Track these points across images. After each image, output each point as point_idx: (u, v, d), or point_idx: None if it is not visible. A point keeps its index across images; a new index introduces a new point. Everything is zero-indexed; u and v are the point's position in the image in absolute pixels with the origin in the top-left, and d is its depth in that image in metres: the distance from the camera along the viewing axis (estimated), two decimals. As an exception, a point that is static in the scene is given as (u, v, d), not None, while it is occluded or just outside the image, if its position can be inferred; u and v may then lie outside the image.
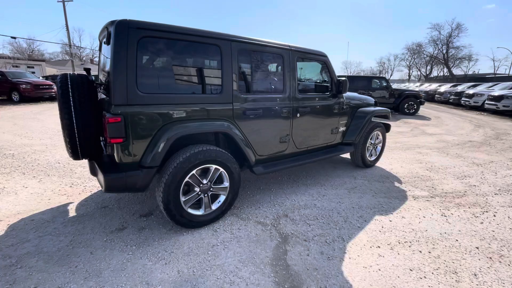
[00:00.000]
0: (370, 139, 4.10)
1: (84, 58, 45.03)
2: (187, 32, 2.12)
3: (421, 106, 11.73)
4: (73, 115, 2.14)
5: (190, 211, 2.32)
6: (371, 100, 4.39)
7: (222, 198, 2.52)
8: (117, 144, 1.93)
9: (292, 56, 2.92)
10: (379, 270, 1.97)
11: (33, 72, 21.95)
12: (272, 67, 2.94)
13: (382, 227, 2.55)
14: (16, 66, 24.31)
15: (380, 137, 4.27)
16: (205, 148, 2.28)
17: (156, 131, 2.05)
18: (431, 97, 18.88)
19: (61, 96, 2.12)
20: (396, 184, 3.64)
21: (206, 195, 2.40)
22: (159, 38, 2.04)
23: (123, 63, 1.87)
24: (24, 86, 13.05)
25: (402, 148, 5.67)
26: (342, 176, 3.87)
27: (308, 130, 3.26)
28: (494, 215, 2.80)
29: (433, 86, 21.84)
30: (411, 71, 53.01)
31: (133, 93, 1.94)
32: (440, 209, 2.91)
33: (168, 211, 2.18)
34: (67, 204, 2.84)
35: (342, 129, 3.76)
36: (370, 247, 2.23)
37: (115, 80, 1.87)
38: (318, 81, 3.63)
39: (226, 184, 2.50)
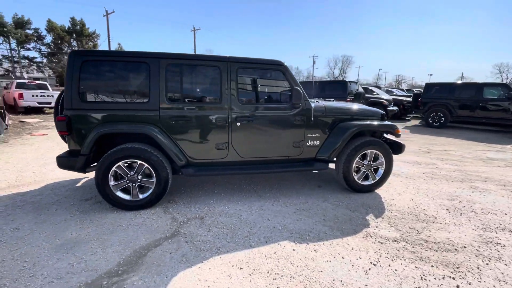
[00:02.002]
0: (364, 159, 3.43)
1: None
2: (118, 54, 2.74)
3: None
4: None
5: (119, 194, 2.90)
6: (372, 112, 3.64)
7: (150, 190, 2.96)
8: (64, 136, 2.76)
9: (231, 67, 3.01)
10: (208, 287, 1.87)
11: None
12: (207, 78, 3.12)
13: (275, 252, 2.26)
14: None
15: (382, 158, 3.47)
16: (130, 146, 2.81)
17: (90, 129, 2.77)
18: None
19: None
20: (370, 216, 2.92)
21: (134, 184, 2.92)
22: (96, 61, 2.75)
23: (69, 78, 2.69)
24: None
25: (454, 179, 4.20)
26: (311, 195, 3.45)
27: (256, 140, 3.19)
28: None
29: None
30: None
31: (76, 100, 2.72)
32: (388, 257, 2.21)
33: (99, 191, 2.84)
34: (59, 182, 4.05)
35: (313, 143, 3.37)
36: (232, 266, 2.09)
37: (65, 90, 2.72)
38: (274, 91, 3.42)
39: (153, 179, 2.93)
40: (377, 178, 3.55)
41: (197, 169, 3.09)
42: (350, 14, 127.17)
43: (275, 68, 3.16)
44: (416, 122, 12.08)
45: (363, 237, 2.51)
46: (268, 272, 2.02)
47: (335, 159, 3.48)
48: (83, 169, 2.86)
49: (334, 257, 2.21)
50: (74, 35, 25.33)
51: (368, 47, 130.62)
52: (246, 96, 3.19)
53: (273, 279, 1.95)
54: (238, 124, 3.07)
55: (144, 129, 2.81)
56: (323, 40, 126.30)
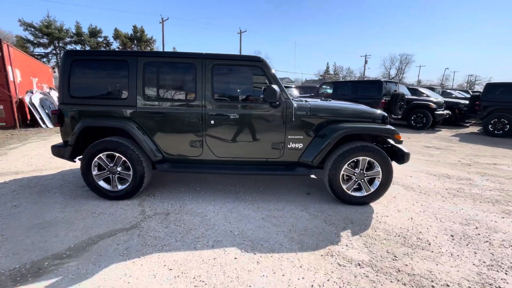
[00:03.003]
0: (356, 167, 3.02)
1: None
2: (103, 53, 2.94)
3: None
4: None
5: (101, 184, 3.11)
6: (369, 114, 3.17)
7: (128, 183, 3.11)
8: (58, 127, 3.09)
9: (206, 64, 2.95)
10: (128, 283, 1.85)
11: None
12: (183, 75, 3.09)
13: (214, 258, 2.12)
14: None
15: (378, 167, 3.00)
16: (109, 139, 2.99)
17: (77, 122, 3.03)
18: None
19: None
20: (345, 233, 2.55)
21: (113, 176, 3.10)
22: (84, 60, 3.00)
23: (62, 76, 2.99)
24: None
25: (485, 199, 3.39)
26: (293, 202, 3.17)
27: (231, 140, 3.08)
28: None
29: None
30: None
31: (67, 96, 3.02)
32: (336, 283, 1.88)
33: (84, 179, 3.09)
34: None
35: (295, 145, 3.10)
36: (164, 265, 2.03)
37: (59, 87, 3.04)
38: (252, 89, 3.20)
39: (130, 172, 3.07)
40: (372, 190, 3.08)
41: (171, 165, 3.13)
42: (410, 8, 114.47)
43: (254, 65, 3.00)
44: (475, 129, 10.23)
45: (321, 255, 2.20)
46: (194, 278, 1.91)
47: (320, 164, 3.14)
48: (71, 158, 3.15)
49: (274, 273, 1.97)
50: (135, 41, 28.87)
51: (432, 44, 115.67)
52: (221, 93, 3.10)
53: (195, 286, 1.84)
54: (212, 122, 3.00)
55: (121, 123, 2.96)
56: (378, 38, 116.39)
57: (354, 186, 3.09)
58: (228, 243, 2.35)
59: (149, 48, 30.19)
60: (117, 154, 3.02)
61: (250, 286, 1.84)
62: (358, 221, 2.76)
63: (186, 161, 3.17)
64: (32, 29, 24.60)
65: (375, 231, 2.59)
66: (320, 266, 2.06)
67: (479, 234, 2.56)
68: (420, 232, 2.58)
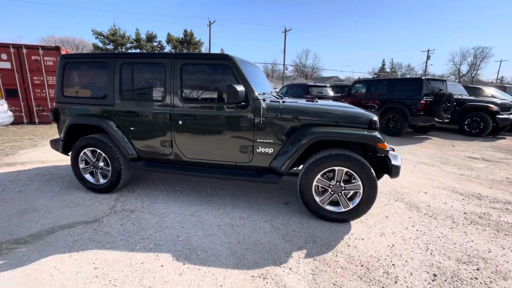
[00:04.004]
0: (331, 179, 2.64)
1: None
2: (89, 56, 3.15)
3: None
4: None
5: (87, 177, 3.36)
6: (352, 118, 2.70)
7: (108, 178, 3.29)
8: (55, 124, 3.43)
9: (175, 63, 2.89)
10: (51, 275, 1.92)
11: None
12: (154, 75, 3.07)
13: (142, 263, 2.06)
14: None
15: (358, 180, 2.55)
16: (91, 136, 3.20)
17: (67, 119, 3.31)
18: None
19: None
20: (298, 253, 2.22)
21: (96, 170, 3.31)
22: (74, 63, 3.25)
23: (57, 77, 3.31)
24: None
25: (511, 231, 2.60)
26: (262, 211, 2.93)
27: (199, 141, 2.98)
28: None
29: None
30: None
31: (60, 96, 3.33)
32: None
33: (73, 172, 3.38)
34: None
35: (265, 150, 2.85)
36: (93, 263, 2.06)
37: (55, 87, 3.36)
38: (221, 89, 2.97)
39: (109, 168, 3.24)
40: (351, 206, 2.63)
41: (145, 164, 3.19)
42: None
43: (222, 63, 2.83)
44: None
45: (252, 277, 1.94)
46: (109, 281, 1.89)
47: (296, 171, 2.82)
48: (64, 152, 3.47)
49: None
50: (185, 44, 31.10)
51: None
52: (189, 93, 3.01)
53: (105, 289, 1.81)
54: (180, 122, 2.95)
55: (99, 122, 3.13)
56: (444, 30, 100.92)
57: (331, 200, 2.69)
58: (167, 248, 2.27)
59: (197, 51, 32.22)
60: (99, 150, 3.21)
61: (154, 299, 1.74)
62: (322, 241, 2.39)
63: (158, 160, 3.20)
64: (102, 37, 28.79)
65: (336, 255, 2.20)
66: (242, 287, 1.82)
67: (476, 278, 1.95)
68: (393, 264, 2.09)
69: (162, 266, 2.05)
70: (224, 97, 2.90)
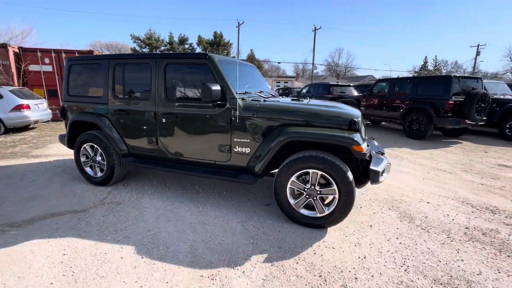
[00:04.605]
0: (306, 182, 2.51)
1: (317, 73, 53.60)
2: (89, 58, 3.40)
3: None
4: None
5: (87, 170, 3.64)
6: (331, 117, 2.52)
7: (104, 171, 3.52)
8: (63, 121, 3.76)
9: (159, 63, 2.98)
10: (25, 257, 2.11)
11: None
12: (142, 75, 3.16)
13: (105, 253, 2.17)
14: (278, 82, 35.50)
15: (334, 185, 2.38)
16: (90, 132, 3.45)
17: (71, 116, 3.61)
18: None
19: None
20: (259, 256, 2.15)
21: (95, 164, 3.57)
22: (77, 64, 3.53)
23: (64, 77, 3.62)
24: None
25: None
26: (240, 212, 2.89)
27: (181, 139, 3.04)
28: None
29: None
30: None
31: (66, 95, 3.64)
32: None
33: (76, 165, 3.69)
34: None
35: (242, 149, 2.80)
36: (64, 250, 2.21)
37: (62, 87, 3.69)
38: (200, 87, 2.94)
39: (104, 162, 3.46)
40: (326, 211, 2.47)
41: (135, 160, 3.35)
42: None
43: (201, 62, 2.85)
44: None
45: (201, 276, 1.93)
46: (71, 267, 2.02)
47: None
48: (70, 146, 3.79)
49: (136, 282, 1.86)
50: (214, 45, 32.01)
51: None
52: (172, 92, 3.06)
53: (63, 274, 1.94)
54: (164, 120, 3.04)
55: (94, 119, 3.36)
56: (497, 22, 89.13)
57: (307, 204, 2.56)
58: (134, 241, 2.35)
59: (225, 52, 32.97)
60: (96, 146, 3.45)
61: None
62: (288, 247, 2.28)
63: (146, 157, 3.33)
64: (139, 41, 30.98)
65: (296, 263, 2.08)
66: (187, 288, 1.81)
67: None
68: (356, 278, 1.92)
69: (122, 258, 2.13)
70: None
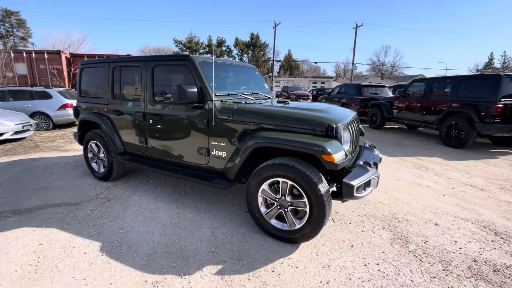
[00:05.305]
0: (277, 193, 2.33)
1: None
2: (96, 61, 3.66)
3: None
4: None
5: (93, 165, 3.93)
6: (309, 120, 2.27)
7: (105, 167, 3.75)
8: (77, 119, 4.12)
9: (148, 65, 3.04)
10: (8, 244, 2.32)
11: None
12: (135, 77, 3.24)
13: (73, 247, 2.27)
14: (314, 83, 34.41)
15: (304, 198, 2.15)
16: (93, 131, 3.71)
17: (80, 115, 3.92)
18: None
19: None
20: (212, 268, 2.03)
21: (98, 160, 3.83)
22: (87, 68, 3.82)
23: (77, 80, 3.96)
24: (291, 96, 19.22)
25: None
26: (218, 217, 2.79)
27: (165, 139, 3.07)
28: None
29: None
30: None
31: (79, 96, 3.97)
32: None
33: (85, 160, 4.01)
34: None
35: (218, 153, 2.72)
36: (41, 240, 2.38)
37: (76, 89, 4.03)
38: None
39: (105, 159, 3.69)
40: (297, 225, 2.25)
41: (130, 159, 3.50)
42: None
43: (182, 64, 2.83)
44: None
45: (145, 281, 1.89)
46: (39, 257, 2.15)
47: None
48: (80, 143, 4.13)
49: (84, 279, 1.91)
50: (251, 47, 32.48)
51: None
52: (159, 94, 3.09)
53: (29, 263, 2.08)
54: (151, 121, 3.11)
55: (96, 118, 3.60)
56: None
57: (279, 215, 2.37)
58: (103, 238, 2.43)
59: (262, 53, 33.19)
60: (98, 143, 3.70)
61: (53, 281, 1.89)
62: (247, 260, 2.12)
63: (139, 156, 3.45)
64: (180, 45, 32.99)
65: (248, 279, 1.91)
66: (127, 292, 1.79)
67: None
68: (306, 306, 1.68)
69: (85, 253, 2.21)
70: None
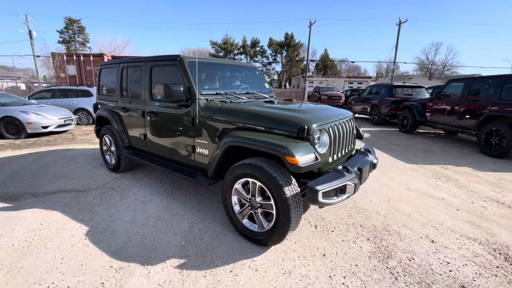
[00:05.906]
0: (249, 193, 2.31)
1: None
2: (110, 62, 3.98)
3: None
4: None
5: (106, 157, 4.30)
6: (284, 121, 2.19)
7: (116, 159, 4.08)
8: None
9: (147, 66, 3.22)
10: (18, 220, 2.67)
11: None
12: (138, 77, 3.41)
13: (72, 235, 2.52)
14: (351, 83, 32.77)
15: (271, 200, 2.10)
16: (107, 126, 4.06)
17: (97, 111, 4.32)
18: None
19: None
20: (177, 258, 2.09)
21: (110, 153, 4.18)
22: (104, 68, 4.18)
23: (98, 80, 4.37)
24: (322, 96, 18.71)
25: None
26: (200, 213, 2.85)
27: (159, 136, 3.23)
28: None
29: None
30: None
31: (98, 94, 4.37)
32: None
33: (101, 154, 4.40)
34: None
35: (202, 151, 2.78)
36: (44, 223, 2.69)
37: (96, 87, 4.45)
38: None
39: (115, 152, 4.02)
40: (265, 228, 2.19)
41: (134, 153, 3.75)
42: None
43: (173, 63, 2.93)
44: None
45: (111, 266, 2.02)
46: (35, 235, 2.44)
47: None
48: (98, 137, 4.54)
49: (61, 260, 2.11)
50: (285, 47, 32.20)
51: None
52: (156, 92, 3.25)
53: (25, 240, 2.36)
54: (148, 118, 3.30)
55: (107, 115, 3.93)
56: None
57: (250, 215, 2.34)
58: (93, 223, 2.66)
59: (295, 53, 32.68)
60: (110, 137, 4.04)
61: (37, 257, 2.12)
62: (211, 258, 2.14)
63: (140, 151, 3.68)
64: (216, 46, 34.16)
65: (204, 276, 1.93)
66: (93, 278, 1.94)
67: None
68: (250, 310, 1.63)
69: (72, 235, 2.45)
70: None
